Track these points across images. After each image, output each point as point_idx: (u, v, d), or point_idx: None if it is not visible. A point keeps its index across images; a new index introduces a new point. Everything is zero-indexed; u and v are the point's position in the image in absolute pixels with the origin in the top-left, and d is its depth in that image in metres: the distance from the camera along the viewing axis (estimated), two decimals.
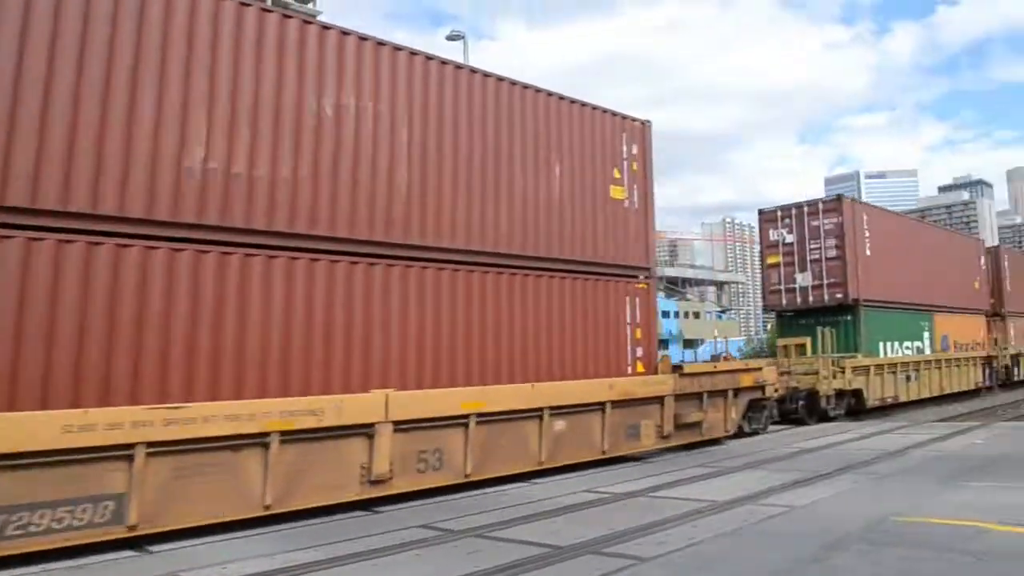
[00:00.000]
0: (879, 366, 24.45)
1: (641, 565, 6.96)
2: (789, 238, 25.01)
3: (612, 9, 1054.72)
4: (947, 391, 28.84)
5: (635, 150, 15.46)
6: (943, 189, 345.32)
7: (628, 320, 14.71)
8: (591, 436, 13.05)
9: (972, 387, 31.18)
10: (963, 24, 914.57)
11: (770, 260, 25.78)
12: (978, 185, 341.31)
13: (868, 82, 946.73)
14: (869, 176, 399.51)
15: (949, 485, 10.54)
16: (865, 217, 25.04)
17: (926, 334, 28.43)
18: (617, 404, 13.27)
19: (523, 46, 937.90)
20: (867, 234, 24.69)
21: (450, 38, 27.86)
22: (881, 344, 25.32)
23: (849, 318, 24.30)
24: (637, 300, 14.93)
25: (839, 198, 25.18)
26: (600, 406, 13.05)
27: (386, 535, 8.57)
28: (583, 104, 14.61)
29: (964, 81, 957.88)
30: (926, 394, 27.31)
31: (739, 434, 17.10)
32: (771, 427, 18.93)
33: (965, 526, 7.93)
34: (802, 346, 22.74)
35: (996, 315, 34.99)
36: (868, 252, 24.55)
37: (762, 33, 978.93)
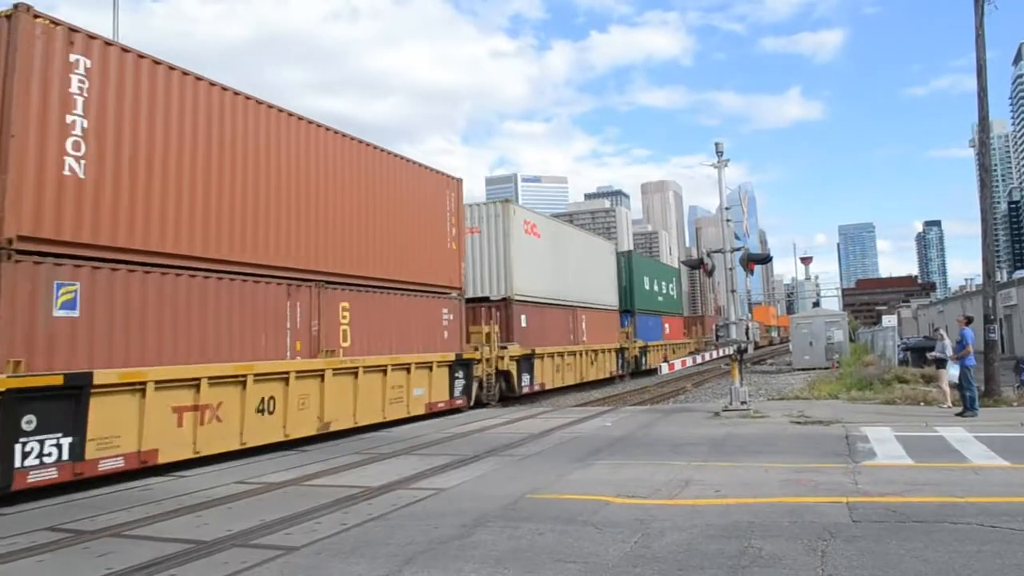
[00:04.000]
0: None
1: (290, 555, 6.89)
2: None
3: None
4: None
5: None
6: (589, 196, 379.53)
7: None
8: None
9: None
10: (611, 50, 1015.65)
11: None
12: (618, 195, 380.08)
13: (529, 92, 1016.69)
14: (526, 179, 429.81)
15: (580, 463, 11.59)
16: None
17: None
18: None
19: (189, 14, 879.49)
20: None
21: None
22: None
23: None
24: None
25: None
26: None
27: (6, 541, 7.70)
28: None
29: (610, 101, 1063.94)
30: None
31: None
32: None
33: (590, 500, 8.79)
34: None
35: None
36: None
37: (434, 33, 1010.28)
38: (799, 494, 8.76)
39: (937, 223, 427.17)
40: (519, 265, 25.65)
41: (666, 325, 45.98)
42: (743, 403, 17.86)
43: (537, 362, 26.52)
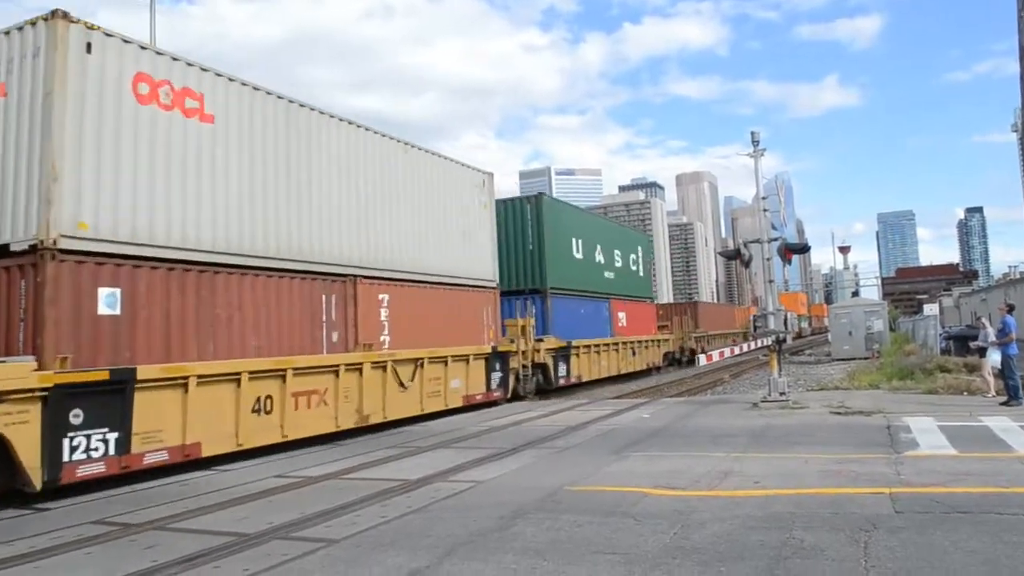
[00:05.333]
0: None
1: (331, 547, 6.95)
2: None
3: None
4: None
5: None
6: (623, 188, 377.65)
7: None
8: None
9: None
10: (645, 41, 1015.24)
11: None
12: (652, 187, 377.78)
13: (562, 85, 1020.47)
14: (559, 173, 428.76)
15: (618, 455, 11.55)
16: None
17: None
18: None
19: (224, 16, 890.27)
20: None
21: None
22: None
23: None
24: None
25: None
26: None
27: (54, 534, 7.87)
28: None
29: (644, 93, 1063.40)
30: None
31: None
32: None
33: (629, 492, 8.76)
34: None
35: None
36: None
37: (467, 29, 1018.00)
38: (840, 485, 8.66)
39: (979, 209, 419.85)
40: (91, 165, 10.76)
41: (620, 315, 31.71)
42: (782, 394, 17.69)
43: (132, 403, 10.63)
